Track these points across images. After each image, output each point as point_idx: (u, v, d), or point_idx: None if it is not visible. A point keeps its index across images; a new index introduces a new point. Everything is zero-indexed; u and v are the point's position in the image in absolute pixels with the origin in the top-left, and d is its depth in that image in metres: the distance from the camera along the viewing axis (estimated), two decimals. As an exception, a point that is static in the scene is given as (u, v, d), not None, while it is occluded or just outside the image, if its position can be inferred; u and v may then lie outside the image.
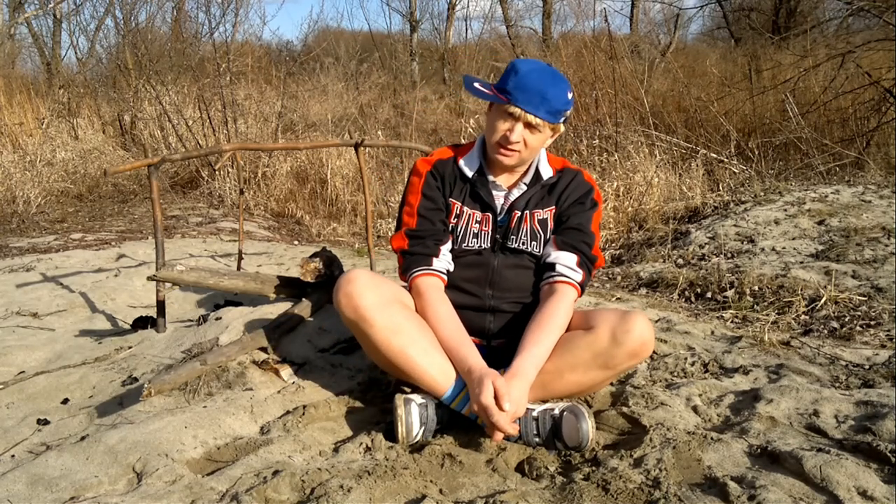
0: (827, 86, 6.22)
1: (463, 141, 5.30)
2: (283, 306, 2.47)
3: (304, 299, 2.44)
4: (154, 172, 2.54)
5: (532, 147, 1.67)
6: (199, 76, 7.90)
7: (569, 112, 1.68)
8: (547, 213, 1.78)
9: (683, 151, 5.77)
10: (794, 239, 3.76)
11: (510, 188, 1.79)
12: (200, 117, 7.50)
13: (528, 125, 1.63)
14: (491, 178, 1.78)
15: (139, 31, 10.41)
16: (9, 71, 10.67)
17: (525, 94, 1.60)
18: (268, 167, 6.83)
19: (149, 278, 2.53)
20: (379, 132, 7.55)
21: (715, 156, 5.68)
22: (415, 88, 10.95)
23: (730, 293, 3.06)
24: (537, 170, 1.78)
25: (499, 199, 1.78)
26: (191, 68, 8.48)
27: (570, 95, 1.66)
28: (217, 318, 2.46)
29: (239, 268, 3.67)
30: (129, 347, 2.48)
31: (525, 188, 1.77)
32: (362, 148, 3.35)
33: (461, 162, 1.79)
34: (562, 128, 1.71)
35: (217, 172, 6.87)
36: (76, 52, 13.72)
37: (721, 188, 5.16)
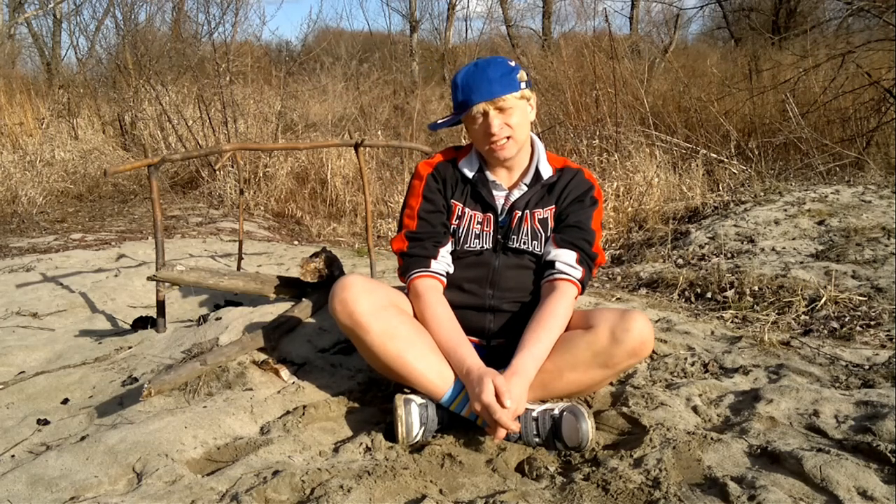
0: (827, 86, 6.22)
1: (463, 141, 5.31)
2: (283, 306, 2.47)
3: (304, 299, 2.44)
4: (154, 172, 2.54)
5: (518, 126, 1.68)
6: (198, 76, 7.90)
7: (520, 75, 1.68)
8: (547, 213, 1.78)
9: (683, 151, 5.77)
10: (794, 239, 3.76)
11: (511, 188, 1.79)
12: (200, 117, 7.50)
13: (498, 109, 1.65)
14: (491, 178, 1.78)
15: (138, 32, 10.41)
16: (9, 71, 10.68)
17: (474, 91, 1.64)
18: (268, 167, 6.83)
19: (149, 278, 2.53)
20: (379, 132, 7.55)
21: (715, 156, 5.68)
22: (415, 88, 10.95)
23: (730, 293, 3.06)
24: (537, 169, 1.78)
25: (499, 199, 1.79)
26: (190, 68, 8.48)
27: (511, 63, 1.69)
28: (217, 319, 2.46)
29: (239, 268, 3.66)
30: (129, 347, 2.48)
31: (526, 188, 1.77)
32: (362, 148, 3.35)
33: (461, 163, 1.80)
34: (530, 94, 1.71)
35: (217, 172, 6.87)
36: (76, 52, 13.73)
37: (721, 188, 5.16)
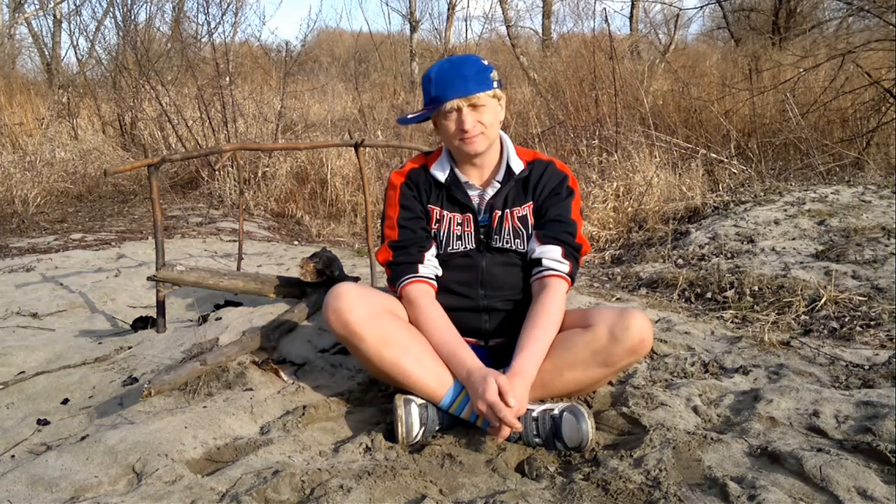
0: (827, 86, 6.22)
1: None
2: (283, 306, 2.48)
3: (303, 300, 2.44)
4: (154, 172, 2.54)
5: (490, 123, 1.69)
6: (198, 76, 7.90)
7: (494, 74, 1.69)
8: (526, 210, 1.78)
9: (683, 151, 5.77)
10: (794, 239, 3.76)
11: (484, 186, 1.80)
12: (200, 117, 7.49)
13: (472, 107, 1.66)
14: (464, 178, 1.79)
15: (138, 32, 10.41)
16: (9, 71, 10.69)
17: (448, 87, 1.64)
18: (268, 167, 6.83)
19: (149, 278, 2.53)
20: (379, 132, 7.55)
21: (715, 156, 5.68)
22: (414, 88, 10.94)
23: (730, 293, 3.06)
24: (508, 165, 1.78)
25: (475, 198, 1.79)
26: (190, 68, 8.48)
27: (484, 62, 1.69)
28: (217, 319, 2.46)
29: (239, 268, 3.66)
30: (129, 347, 2.48)
31: (499, 185, 1.78)
32: (362, 148, 3.35)
33: (433, 168, 1.81)
34: (501, 94, 1.72)
35: (217, 172, 6.87)
36: (76, 53, 13.74)
37: (721, 188, 5.16)
